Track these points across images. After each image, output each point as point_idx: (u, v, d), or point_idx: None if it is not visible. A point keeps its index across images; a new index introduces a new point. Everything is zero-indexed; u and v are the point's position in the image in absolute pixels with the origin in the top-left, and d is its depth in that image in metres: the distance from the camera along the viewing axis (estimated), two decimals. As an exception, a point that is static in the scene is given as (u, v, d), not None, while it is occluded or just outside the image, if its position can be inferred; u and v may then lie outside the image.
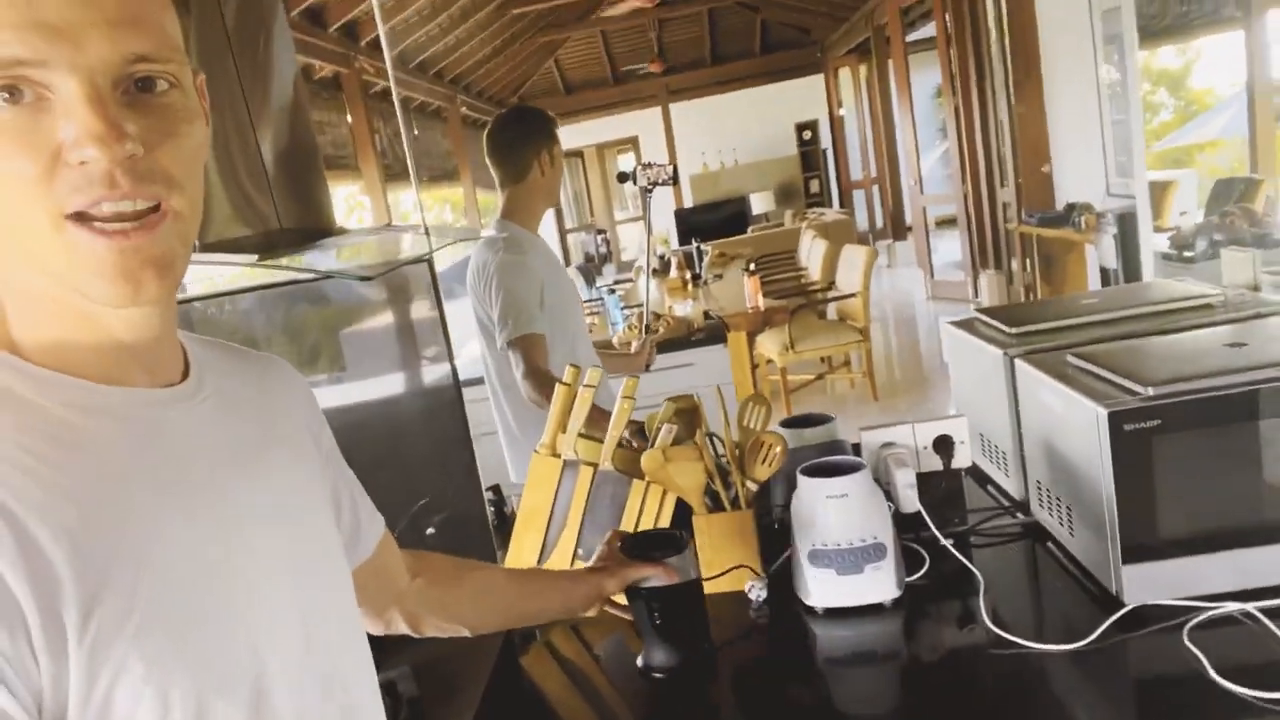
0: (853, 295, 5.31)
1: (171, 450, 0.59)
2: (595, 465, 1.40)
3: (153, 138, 0.52)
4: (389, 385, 1.75)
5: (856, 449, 1.62)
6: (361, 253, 1.36)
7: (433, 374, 1.72)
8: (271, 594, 0.62)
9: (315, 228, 1.43)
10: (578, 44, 12.27)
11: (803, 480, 1.31)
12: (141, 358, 0.60)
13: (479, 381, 2.32)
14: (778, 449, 1.36)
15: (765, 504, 1.58)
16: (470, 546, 1.67)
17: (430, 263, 1.45)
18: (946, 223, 8.63)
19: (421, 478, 1.70)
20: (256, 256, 1.02)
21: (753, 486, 1.38)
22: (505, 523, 1.81)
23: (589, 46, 12.33)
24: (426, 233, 1.43)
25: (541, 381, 1.99)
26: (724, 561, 1.37)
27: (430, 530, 1.64)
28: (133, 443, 0.57)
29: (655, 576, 1.15)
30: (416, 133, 10.49)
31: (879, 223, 11.74)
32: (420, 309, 1.71)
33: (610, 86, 12.95)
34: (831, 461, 1.34)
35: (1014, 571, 1.40)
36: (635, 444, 1.47)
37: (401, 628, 0.96)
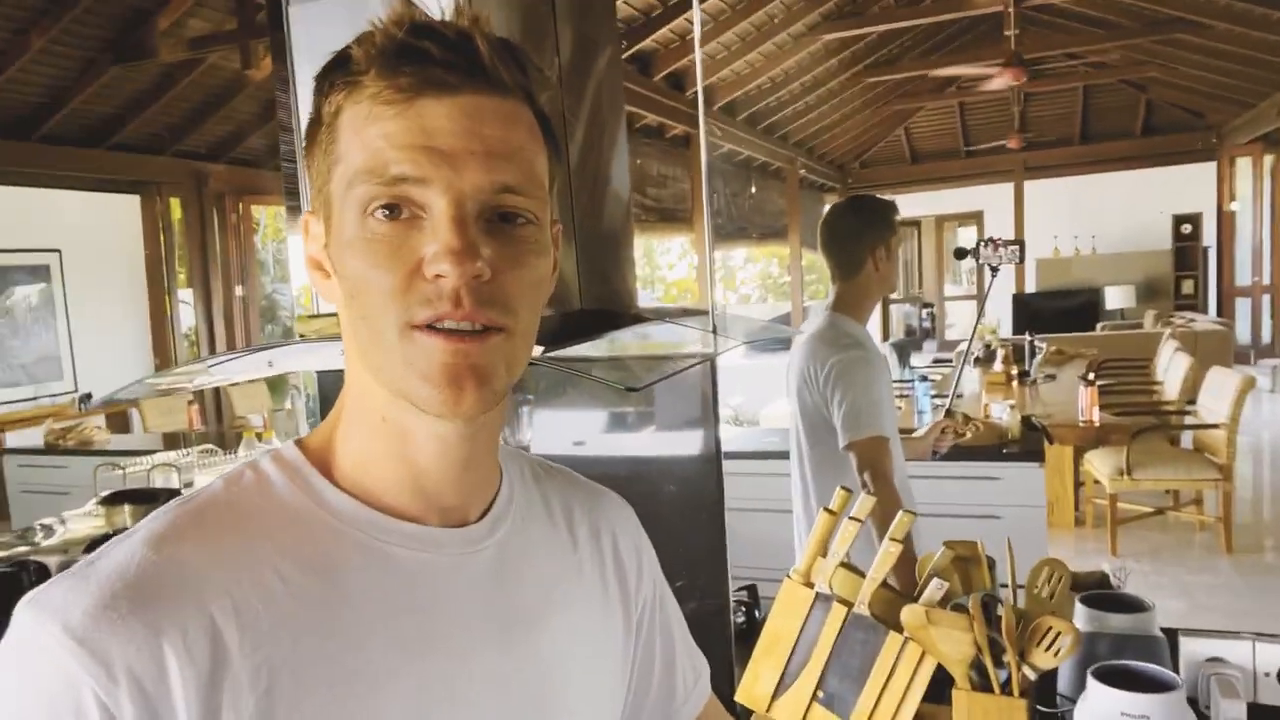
0: (1216, 426, 4.54)
1: (424, 603, 0.57)
2: (850, 605, 1.29)
3: (501, 264, 0.54)
4: (683, 438, 1.69)
5: (1174, 642, 1.35)
6: (645, 348, 1.37)
7: (706, 439, 1.64)
8: None
9: (613, 310, 1.47)
10: (931, 113, 11.92)
11: (1094, 685, 1.10)
12: (438, 493, 0.59)
13: (741, 455, 2.25)
14: (1067, 639, 1.15)
15: (1047, 688, 1.35)
16: (708, 653, 1.59)
17: (712, 362, 1.43)
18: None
19: (676, 555, 1.65)
20: (543, 349, 1.05)
21: (1030, 674, 1.19)
22: (753, 629, 1.73)
23: (943, 116, 11.93)
24: (715, 330, 1.41)
25: (883, 488, 1.89)
26: (982, 751, 1.19)
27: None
28: (387, 588, 0.56)
29: None
30: (754, 190, 10.78)
31: (1265, 338, 10.08)
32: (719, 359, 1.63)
33: (959, 159, 12.41)
34: (1136, 668, 1.12)
35: None
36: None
37: None
